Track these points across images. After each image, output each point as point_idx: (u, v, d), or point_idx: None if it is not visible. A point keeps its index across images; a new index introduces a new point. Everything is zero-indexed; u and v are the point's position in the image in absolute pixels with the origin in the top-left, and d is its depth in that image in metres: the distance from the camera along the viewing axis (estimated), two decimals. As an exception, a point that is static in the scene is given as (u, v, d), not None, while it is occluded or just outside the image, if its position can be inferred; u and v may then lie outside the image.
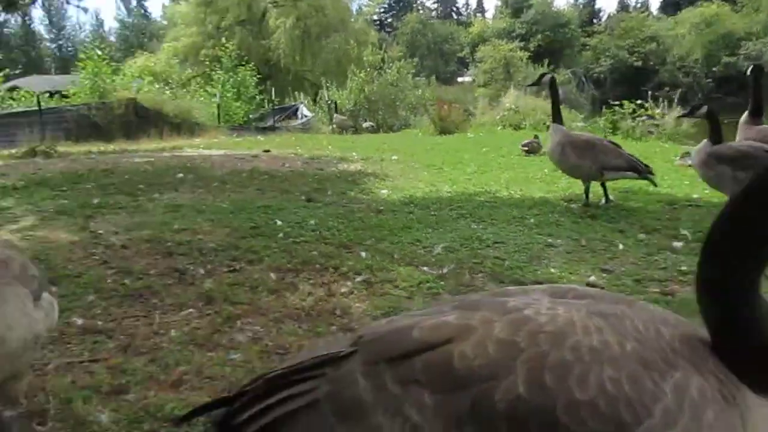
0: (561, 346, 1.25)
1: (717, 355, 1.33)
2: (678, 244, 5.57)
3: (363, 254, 5.12)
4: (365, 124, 26.19)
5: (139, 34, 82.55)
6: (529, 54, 57.05)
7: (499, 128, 20.83)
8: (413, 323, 1.43)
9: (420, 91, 30.59)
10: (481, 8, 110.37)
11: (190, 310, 3.90)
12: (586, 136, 7.33)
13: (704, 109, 6.27)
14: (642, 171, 6.98)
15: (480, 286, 4.40)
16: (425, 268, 4.77)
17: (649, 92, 17.67)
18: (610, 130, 16.13)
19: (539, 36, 65.84)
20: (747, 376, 1.30)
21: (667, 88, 56.46)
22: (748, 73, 7.12)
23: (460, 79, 68.74)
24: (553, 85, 7.41)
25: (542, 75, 7.60)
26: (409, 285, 4.35)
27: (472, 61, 65.64)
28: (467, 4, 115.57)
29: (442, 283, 4.44)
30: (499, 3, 76.19)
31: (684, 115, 7.14)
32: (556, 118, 7.35)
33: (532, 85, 7.90)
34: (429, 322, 1.41)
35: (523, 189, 8.48)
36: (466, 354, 1.30)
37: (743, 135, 7.00)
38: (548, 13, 68.05)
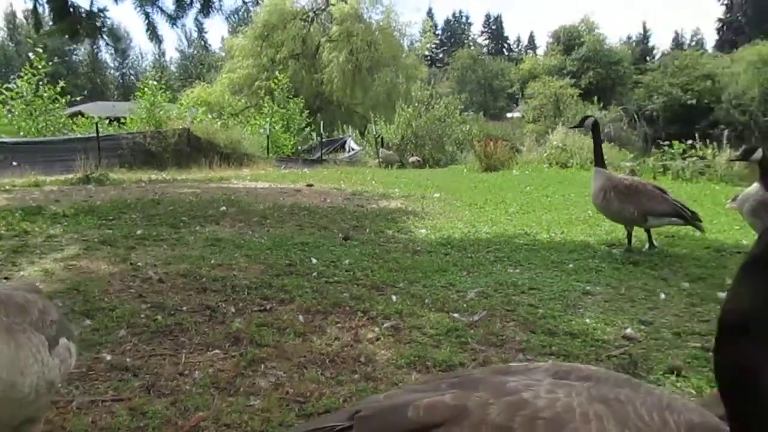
0: None
1: None
2: (724, 295, 5.33)
3: (394, 297, 5.07)
4: (411, 159, 26.30)
5: (198, 65, 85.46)
6: (579, 91, 56.51)
7: (545, 166, 20.60)
8: (409, 401, 1.39)
9: (467, 126, 30.61)
10: (532, 45, 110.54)
11: (216, 350, 3.91)
12: (630, 180, 7.15)
13: (759, 153, 6.04)
14: (688, 218, 6.76)
15: (510, 336, 4.29)
16: (456, 315, 4.69)
17: (696, 133, 17.17)
18: (660, 171, 15.76)
19: (590, 73, 65.24)
20: None
21: (722, 126, 55.21)
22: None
23: (509, 115, 68.59)
24: (595, 128, 7.29)
25: (585, 118, 7.48)
26: (437, 333, 4.27)
27: (522, 97, 65.43)
28: (519, 40, 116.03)
29: (471, 331, 4.35)
30: (551, 40, 76.00)
31: (736, 159, 6.91)
32: (599, 161, 7.21)
33: (575, 127, 7.79)
34: (425, 401, 1.36)
35: (565, 231, 8.32)
36: (459, 439, 1.25)
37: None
38: (600, 51, 67.46)
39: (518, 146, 26.77)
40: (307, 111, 32.65)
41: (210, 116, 27.69)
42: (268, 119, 29.32)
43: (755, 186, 5.91)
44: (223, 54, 53.18)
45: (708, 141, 16.58)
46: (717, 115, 57.18)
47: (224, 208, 9.61)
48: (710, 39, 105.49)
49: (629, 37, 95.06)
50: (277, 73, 34.67)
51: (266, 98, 31.41)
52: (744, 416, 1.25)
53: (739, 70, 59.71)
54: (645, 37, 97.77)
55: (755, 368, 1.23)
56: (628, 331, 4.38)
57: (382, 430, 1.36)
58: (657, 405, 1.29)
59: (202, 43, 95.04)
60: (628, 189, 6.94)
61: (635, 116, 56.58)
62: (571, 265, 6.36)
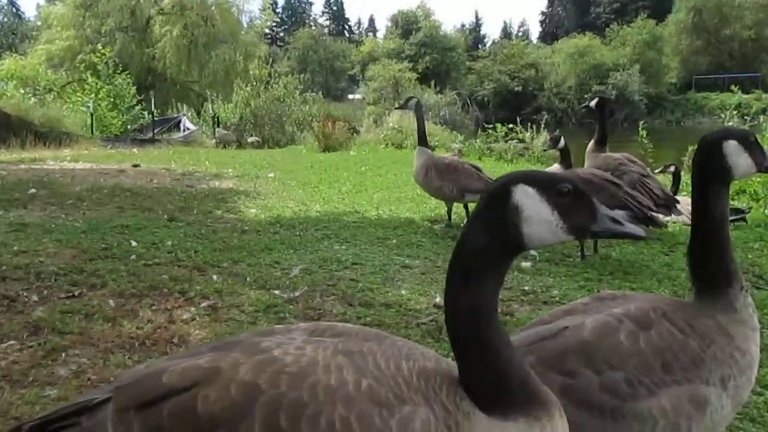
0: (299, 387, 1.27)
1: (462, 384, 1.42)
2: (526, 264, 5.86)
3: (215, 277, 5.00)
4: (250, 139, 25.75)
5: (9, 34, 76.97)
6: (417, 75, 58.48)
7: (382, 147, 21.16)
8: (167, 367, 1.40)
9: (308, 107, 30.53)
10: (372, 27, 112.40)
11: (11, 342, 3.62)
12: (449, 159, 7.58)
13: (562, 142, 6.70)
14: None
15: (329, 309, 4.41)
16: (277, 291, 4.72)
17: (520, 118, 18.59)
18: (485, 153, 16.82)
19: (427, 58, 67.74)
20: (481, 400, 1.39)
21: (544, 112, 60.01)
22: (592, 104, 7.67)
23: (351, 96, 69.39)
24: (418, 109, 7.62)
25: (409, 98, 7.81)
26: (256, 310, 4.28)
27: (362, 79, 66.44)
28: (359, 22, 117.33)
29: (291, 307, 4.41)
30: (390, 24, 77.78)
31: (548, 149, 7.58)
32: (422, 140, 7.56)
33: (400, 108, 8.09)
34: (181, 365, 1.38)
35: (393, 209, 8.64)
36: (209, 398, 1.29)
37: (590, 162, 7.50)
38: (436, 37, 70.23)
39: (357, 127, 27.24)
40: (138, 88, 30.70)
41: (22, 91, 25.13)
42: (92, 96, 27.18)
43: (555, 167, 6.53)
44: (39, 23, 48.33)
45: (530, 125, 17.95)
46: (540, 101, 62.00)
47: (34, 190, 8.84)
48: (535, 30, 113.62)
49: (463, 25, 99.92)
50: (99, 46, 32.16)
51: (89, 73, 29.06)
52: (467, 357, 1.42)
53: (559, 60, 65.06)
54: (477, 25, 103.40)
55: (476, 313, 1.39)
56: (438, 299, 4.67)
57: (138, 397, 1.36)
58: (396, 355, 1.42)
59: (14, 10, 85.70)
60: (447, 167, 7.35)
61: (468, 101, 59.70)
62: (394, 241, 6.63)
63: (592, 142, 7.79)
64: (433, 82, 51.12)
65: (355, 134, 25.09)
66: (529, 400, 1.38)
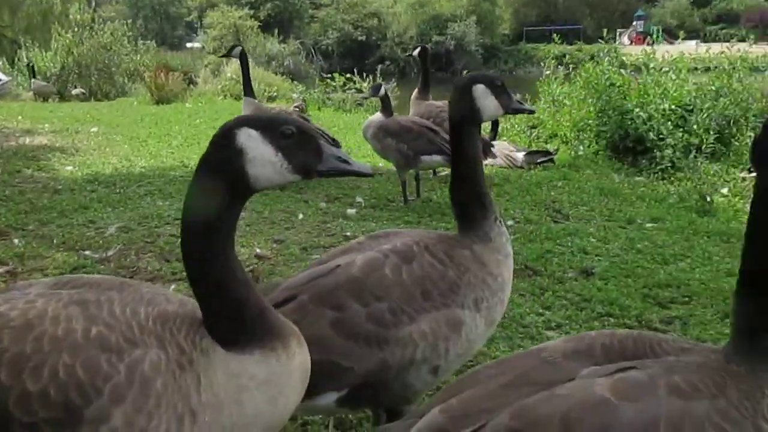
0: (23, 340, 1.25)
1: (205, 324, 1.47)
2: (351, 211, 6.03)
3: (17, 241, 4.64)
4: (75, 91, 23.66)
5: None
6: (258, 23, 56.54)
7: (220, 98, 20.42)
8: None
9: (139, 56, 28.54)
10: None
11: None
12: (276, 110, 7.52)
13: (383, 90, 6.85)
14: (329, 143, 7.38)
15: (143, 266, 4.28)
16: (87, 252, 4.49)
17: (365, 68, 18.68)
18: (324, 103, 16.80)
19: (269, 5, 65.51)
20: (221, 338, 1.45)
21: (387, 62, 60.77)
22: (415, 54, 7.90)
23: (189, 45, 65.73)
24: (242, 58, 7.43)
25: (233, 46, 7.58)
26: (61, 272, 4.05)
27: (201, 27, 63.15)
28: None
29: (101, 266, 4.23)
30: (228, -33, 74.03)
31: (368, 96, 7.70)
32: (247, 90, 7.40)
33: (224, 56, 7.84)
34: None
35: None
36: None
37: (414, 110, 7.79)
38: (277, -17, 67.98)
39: (194, 78, 25.99)
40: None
41: None
42: None
43: (377, 115, 6.68)
44: None
45: (367, 75, 18.07)
46: (383, 51, 62.59)
47: None
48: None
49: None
50: None
51: None
52: (204, 298, 1.46)
53: (400, 10, 65.77)
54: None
55: (210, 254, 1.43)
56: (258, 250, 4.70)
57: None
58: (135, 300, 1.43)
59: None
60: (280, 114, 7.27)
61: (312, 50, 58.97)
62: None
63: (416, 91, 8.08)
64: (276, 31, 49.73)
65: (191, 85, 23.94)
66: (266, 333, 1.46)
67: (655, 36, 53.49)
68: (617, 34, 56.32)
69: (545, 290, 4.05)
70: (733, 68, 9.14)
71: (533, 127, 11.18)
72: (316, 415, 2.55)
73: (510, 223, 5.67)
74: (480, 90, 2.24)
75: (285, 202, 6.38)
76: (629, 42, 49.85)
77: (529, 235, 5.30)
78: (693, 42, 39.99)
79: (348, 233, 5.30)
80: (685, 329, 3.55)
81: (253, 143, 1.45)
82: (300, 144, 1.50)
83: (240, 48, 7.44)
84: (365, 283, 1.98)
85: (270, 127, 1.46)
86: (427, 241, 2.13)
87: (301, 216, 5.82)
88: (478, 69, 58.28)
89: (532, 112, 2.62)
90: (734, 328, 1.43)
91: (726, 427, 1.16)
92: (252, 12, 60.20)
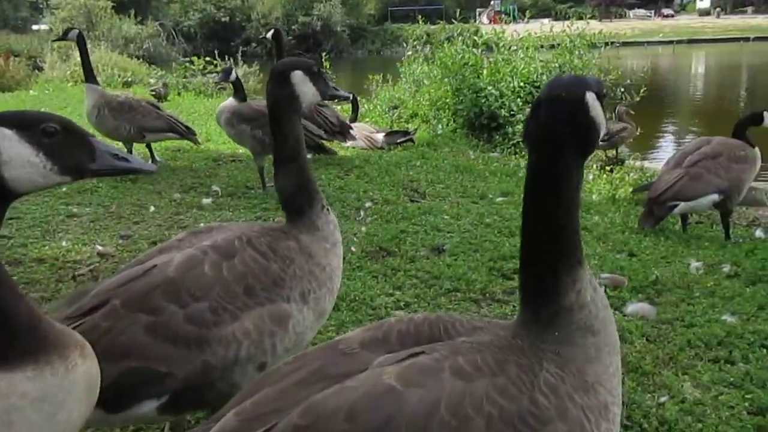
0: None
1: None
2: (207, 201, 5.82)
3: None
4: None
5: None
6: (112, 3, 53.08)
7: (69, 84, 18.99)
8: None
9: (-26, 40, 25.89)
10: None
11: None
12: (123, 97, 7.07)
13: (233, 75, 6.64)
14: (183, 132, 7.09)
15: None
16: None
17: (219, 51, 18.07)
18: (184, 88, 16.10)
19: (122, -17, 61.68)
20: None
21: (254, 44, 59.29)
22: (269, 36, 7.74)
23: (35, 27, 60.52)
24: (80, 42, 6.92)
25: (68, 29, 7.05)
26: None
27: (47, 7, 58.30)
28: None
29: None
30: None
31: (220, 80, 7.46)
32: (89, 76, 6.91)
33: (58, 40, 7.27)
34: None
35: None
36: None
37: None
38: (130, -40, 64.03)
39: (40, 63, 23.99)
40: None
41: None
42: None
43: (230, 100, 6.47)
44: None
45: (228, 58, 17.50)
46: (249, 32, 60.95)
47: None
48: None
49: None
50: None
51: None
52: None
53: (264, -10, 64.15)
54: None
55: None
56: (100, 248, 4.42)
57: None
58: None
59: None
60: (122, 106, 6.86)
61: (173, 32, 56.32)
62: (64, 188, 6.05)
63: (272, 74, 7.90)
64: (132, 12, 46.95)
65: (37, 71, 22.08)
66: (40, 346, 1.35)
67: (511, 15, 56.09)
68: (477, 13, 58.57)
69: (397, 270, 4.12)
70: (574, 45, 9.74)
71: (395, 107, 11.35)
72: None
73: (368, 204, 5.72)
74: (298, 76, 2.20)
75: (136, 194, 6.05)
76: (488, 21, 51.85)
77: (386, 216, 5.37)
78: (546, 20, 42.37)
79: (202, 224, 5.11)
80: (525, 298, 3.74)
81: (7, 143, 1.31)
82: (66, 142, 1.38)
83: (77, 31, 6.91)
84: (182, 283, 1.89)
85: (28, 125, 1.33)
86: (250, 235, 2.08)
87: (152, 208, 5.55)
88: (346, 50, 58.47)
89: (347, 98, 2.62)
90: (520, 303, 1.51)
91: (503, 404, 1.21)
92: (104, -9, 56.44)
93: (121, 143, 7.21)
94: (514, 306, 3.66)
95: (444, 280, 3.93)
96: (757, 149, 5.35)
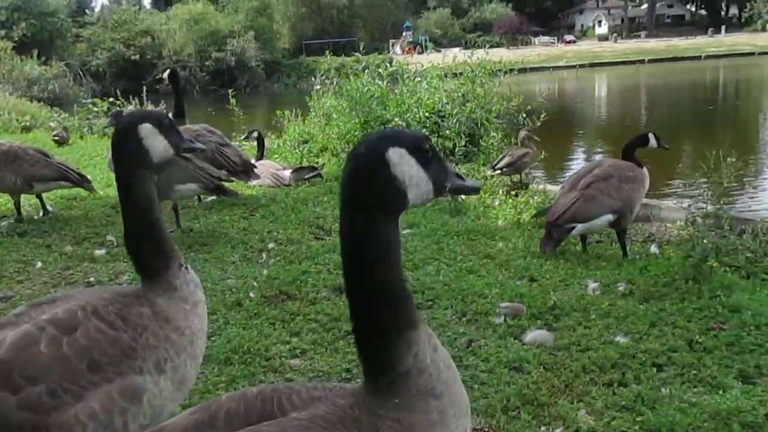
0: None
1: None
2: (101, 252, 5.52)
3: None
4: None
5: None
6: (13, 44, 50.95)
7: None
8: None
9: None
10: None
11: None
12: (7, 146, 6.66)
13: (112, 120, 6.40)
14: (75, 180, 6.74)
15: None
16: None
17: (119, 90, 17.56)
18: (91, 129, 15.49)
19: (23, 24, 59.41)
20: None
21: (165, 82, 58.10)
22: (165, 76, 7.53)
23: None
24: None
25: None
26: None
27: (-61, 51, 55.33)
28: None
29: None
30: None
31: (106, 126, 7.21)
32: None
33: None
34: None
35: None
36: None
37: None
38: (31, 1, 61.87)
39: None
40: None
41: None
42: None
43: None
44: None
45: (132, 97, 16.92)
46: (160, 70, 59.76)
47: None
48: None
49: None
50: None
51: None
52: None
53: (175, 27, 63.31)
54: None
55: None
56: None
57: None
58: None
59: None
60: (6, 155, 6.46)
61: (81, 72, 54.64)
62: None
63: (170, 115, 7.68)
64: (36, 52, 45.14)
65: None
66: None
67: (423, 45, 57.52)
68: (390, 44, 59.69)
69: (296, 315, 3.99)
70: (475, 74, 9.97)
71: (305, 141, 11.26)
72: None
73: (271, 246, 5.58)
74: (147, 129, 2.07)
75: (22, 249, 5.67)
76: (401, 52, 52.95)
77: (289, 257, 5.25)
78: (457, 49, 43.58)
79: (92, 278, 4.85)
80: (425, 334, 3.68)
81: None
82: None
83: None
84: (14, 365, 1.70)
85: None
86: (96, 304, 1.91)
87: (39, 264, 5.20)
88: (262, 84, 58.11)
89: (203, 150, 2.51)
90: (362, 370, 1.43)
91: None
92: (4, 32, 54.13)
93: (8, 195, 6.80)
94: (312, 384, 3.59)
95: (344, 322, 3.82)
96: (645, 169, 5.56)
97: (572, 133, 20.65)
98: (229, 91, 11.24)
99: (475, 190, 1.57)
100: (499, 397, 2.99)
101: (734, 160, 5.08)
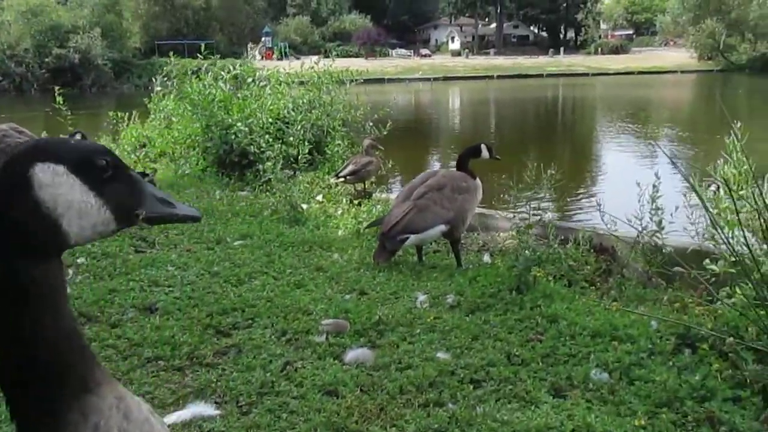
0: None
1: None
2: None
3: None
4: None
5: None
6: None
7: None
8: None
9: None
10: None
11: None
12: None
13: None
14: None
15: None
16: None
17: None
18: None
19: None
20: None
21: (0, 78, 52.86)
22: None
23: None
24: None
25: None
26: None
27: None
28: None
29: None
30: None
31: None
32: None
33: None
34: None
35: None
36: None
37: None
38: None
39: None
40: None
41: None
42: None
43: None
44: None
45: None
46: (-9, 64, 54.25)
47: None
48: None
49: None
50: None
51: None
52: None
53: (9, 18, 57.80)
54: None
55: None
56: None
57: None
58: None
59: None
60: None
61: None
62: None
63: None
64: None
65: None
66: None
67: (282, 51, 56.92)
68: (248, 48, 58.39)
69: (93, 340, 3.51)
70: (321, 82, 9.80)
71: (143, 146, 10.51)
72: None
73: (81, 260, 4.98)
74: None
75: None
76: (260, 57, 51.97)
77: (100, 273, 4.70)
78: (316, 57, 43.44)
79: None
80: (237, 359, 3.37)
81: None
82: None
83: None
84: None
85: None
86: None
87: None
88: (109, 84, 54.46)
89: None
90: None
91: None
92: None
93: None
94: (223, 369, 3.27)
95: (146, 348, 3.41)
96: (477, 180, 5.61)
97: (426, 143, 21.20)
98: (56, 88, 10.20)
99: (191, 219, 1.20)
100: (306, 427, 2.75)
101: (553, 172, 5.24)
